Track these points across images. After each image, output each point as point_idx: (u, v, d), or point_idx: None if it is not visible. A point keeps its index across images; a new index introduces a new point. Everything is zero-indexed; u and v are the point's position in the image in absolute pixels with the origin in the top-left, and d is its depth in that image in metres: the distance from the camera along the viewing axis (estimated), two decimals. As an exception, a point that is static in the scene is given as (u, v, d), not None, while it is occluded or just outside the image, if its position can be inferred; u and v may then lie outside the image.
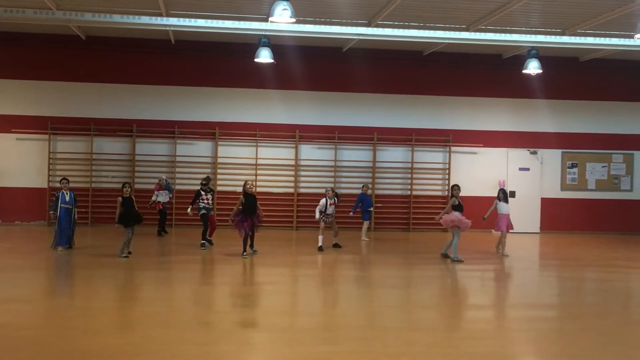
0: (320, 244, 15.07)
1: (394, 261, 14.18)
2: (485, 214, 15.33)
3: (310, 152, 19.91)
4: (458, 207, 14.14)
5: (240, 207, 13.70)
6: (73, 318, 8.54)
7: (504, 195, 15.25)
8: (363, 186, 17.70)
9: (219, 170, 19.44)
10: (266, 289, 11.30)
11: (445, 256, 14.30)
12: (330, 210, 15.16)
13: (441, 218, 14.29)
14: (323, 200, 15.20)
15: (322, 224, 15.15)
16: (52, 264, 13.08)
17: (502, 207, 15.17)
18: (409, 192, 20.15)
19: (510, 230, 15.29)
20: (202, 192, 15.07)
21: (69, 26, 17.01)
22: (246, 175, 19.16)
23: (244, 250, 13.77)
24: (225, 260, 13.52)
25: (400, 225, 20.14)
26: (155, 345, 7.27)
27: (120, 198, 13.36)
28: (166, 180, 17.28)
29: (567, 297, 11.36)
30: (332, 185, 19.40)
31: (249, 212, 13.72)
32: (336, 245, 15.51)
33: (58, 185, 14.99)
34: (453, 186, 14.52)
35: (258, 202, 14.10)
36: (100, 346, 7.15)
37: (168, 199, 17.24)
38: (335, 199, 15.36)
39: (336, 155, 19.86)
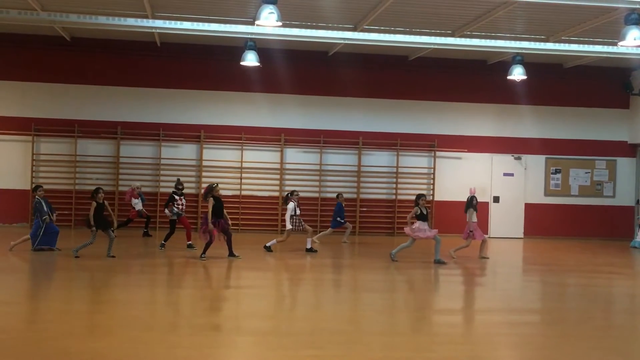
0: (270, 243, 15.13)
1: (377, 265, 14.18)
2: (471, 230, 15.09)
3: (296, 156, 19.88)
4: (422, 217, 14.19)
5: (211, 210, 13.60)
6: (52, 321, 8.47)
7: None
8: (340, 195, 17.64)
9: (204, 174, 19.37)
10: (249, 292, 11.26)
11: (438, 262, 14.21)
12: (298, 212, 15.05)
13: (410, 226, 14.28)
14: (291, 205, 14.96)
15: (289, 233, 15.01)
16: (33, 267, 12.97)
17: (474, 215, 15.19)
18: (393, 197, 20.19)
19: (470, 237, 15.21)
20: (176, 197, 15.08)
21: (54, 27, 16.89)
22: (231, 179, 19.16)
23: (203, 253, 13.72)
24: (207, 263, 13.46)
25: (384, 230, 20.17)
26: (134, 348, 7.22)
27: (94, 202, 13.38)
28: (139, 189, 17.23)
29: (549, 302, 11.43)
30: (317, 186, 19.47)
31: (219, 215, 13.66)
32: (311, 250, 15.28)
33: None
34: (420, 196, 14.46)
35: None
36: (78, 349, 7.09)
37: (141, 207, 17.20)
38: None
39: (321, 159, 19.85)
